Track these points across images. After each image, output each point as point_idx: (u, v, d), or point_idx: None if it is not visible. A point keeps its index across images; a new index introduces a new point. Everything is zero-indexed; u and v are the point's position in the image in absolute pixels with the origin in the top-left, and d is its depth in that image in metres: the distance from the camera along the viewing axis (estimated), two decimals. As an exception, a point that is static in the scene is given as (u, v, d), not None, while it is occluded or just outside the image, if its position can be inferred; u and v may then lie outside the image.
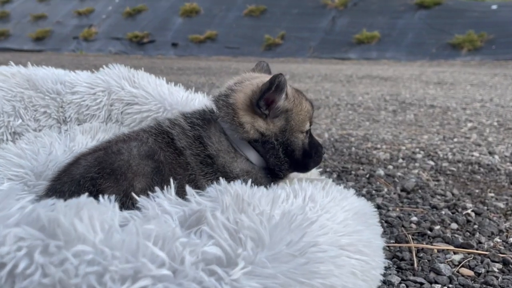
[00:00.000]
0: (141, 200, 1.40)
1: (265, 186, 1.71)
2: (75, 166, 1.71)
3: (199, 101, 2.74)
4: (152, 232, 1.14)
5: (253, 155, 2.01)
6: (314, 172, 2.49)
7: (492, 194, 3.33)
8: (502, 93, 10.30)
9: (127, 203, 1.58)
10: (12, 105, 2.69)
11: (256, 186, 1.63)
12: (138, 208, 1.40)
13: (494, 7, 25.91)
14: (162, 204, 1.37)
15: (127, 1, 35.06)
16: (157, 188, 1.50)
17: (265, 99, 1.95)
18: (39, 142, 2.47)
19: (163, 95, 2.68)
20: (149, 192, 1.50)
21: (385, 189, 3.29)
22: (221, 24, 31.40)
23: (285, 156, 2.04)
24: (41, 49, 32.20)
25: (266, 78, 2.03)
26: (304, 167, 2.14)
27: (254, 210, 1.36)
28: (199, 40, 30.29)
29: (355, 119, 6.89)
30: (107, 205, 1.20)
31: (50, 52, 31.33)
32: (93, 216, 1.13)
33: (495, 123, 6.52)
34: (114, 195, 1.35)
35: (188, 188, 1.44)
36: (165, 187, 1.53)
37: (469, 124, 6.44)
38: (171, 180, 1.51)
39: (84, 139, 2.38)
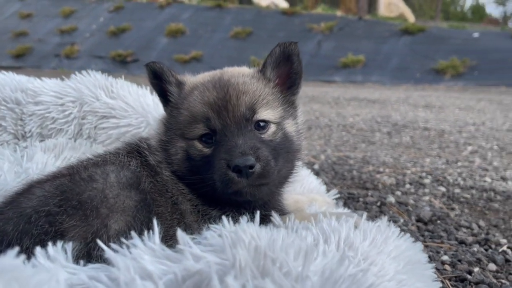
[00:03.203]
0: (110, 252, 0.94)
1: None
2: (26, 196, 1.24)
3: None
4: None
5: None
6: (330, 201, 2.06)
7: (517, 225, 2.94)
8: (493, 117, 10.12)
9: (94, 251, 1.11)
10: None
11: (271, 227, 1.20)
12: (106, 261, 0.95)
13: (475, 35, 26.37)
14: (141, 260, 0.91)
15: (112, 20, 34.75)
16: (133, 233, 1.05)
17: (162, 92, 1.70)
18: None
19: (147, 107, 2.24)
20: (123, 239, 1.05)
21: (401, 220, 2.87)
22: (207, 45, 31.26)
23: (169, 164, 1.59)
24: (21, 65, 31.39)
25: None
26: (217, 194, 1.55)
27: (281, 269, 0.91)
28: (184, 60, 30.02)
29: (349, 141, 6.52)
30: (50, 271, 0.74)
31: (30, 69, 30.54)
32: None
33: (495, 147, 6.22)
34: (78, 239, 0.91)
35: (180, 233, 0.99)
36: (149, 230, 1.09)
37: (469, 148, 6.12)
38: (154, 220, 1.06)
39: (45, 159, 1.90)
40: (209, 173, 1.47)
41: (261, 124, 1.59)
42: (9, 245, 1.13)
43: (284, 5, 38.16)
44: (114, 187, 1.27)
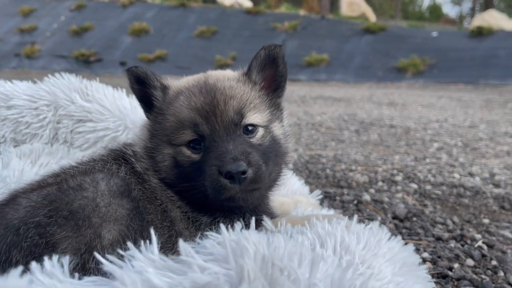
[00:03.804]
0: (112, 266, 0.90)
1: None
2: (11, 207, 1.18)
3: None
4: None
5: None
6: (314, 202, 2.07)
7: (487, 220, 3.05)
8: (454, 114, 10.47)
9: (89, 263, 1.07)
10: None
11: (267, 232, 1.19)
12: (104, 274, 0.91)
13: (434, 34, 27.23)
14: (146, 273, 0.87)
15: (74, 19, 33.83)
16: (130, 244, 1.01)
17: (144, 97, 1.64)
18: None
19: (124, 110, 2.18)
20: (120, 250, 1.01)
21: (379, 218, 2.92)
22: (172, 44, 30.91)
23: (156, 172, 1.55)
24: (-22, 66, 30.12)
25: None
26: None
27: (289, 277, 0.90)
28: (148, 59, 29.58)
29: (319, 139, 6.59)
30: None
31: (-13, 69, 29.32)
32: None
33: (459, 143, 6.44)
34: (70, 251, 0.87)
35: (182, 243, 0.96)
36: (143, 239, 1.06)
37: (435, 144, 6.31)
38: (152, 231, 1.03)
39: (21, 165, 1.81)
40: (199, 180, 1.43)
41: (250, 128, 1.58)
42: None
43: (248, 4, 38.17)
44: (105, 195, 1.22)
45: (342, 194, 3.46)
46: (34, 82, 2.32)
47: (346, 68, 25.57)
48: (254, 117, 1.58)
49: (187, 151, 1.51)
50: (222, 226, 1.09)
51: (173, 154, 1.51)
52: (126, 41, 31.86)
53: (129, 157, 1.53)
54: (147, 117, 1.68)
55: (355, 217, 1.50)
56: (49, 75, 2.27)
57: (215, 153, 1.43)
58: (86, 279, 0.95)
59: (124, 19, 33.79)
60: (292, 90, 18.21)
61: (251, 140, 1.56)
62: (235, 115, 1.52)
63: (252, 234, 1.03)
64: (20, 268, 0.74)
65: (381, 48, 26.63)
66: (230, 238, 1.02)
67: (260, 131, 1.61)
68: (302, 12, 34.81)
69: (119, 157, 1.52)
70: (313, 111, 10.54)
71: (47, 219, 1.12)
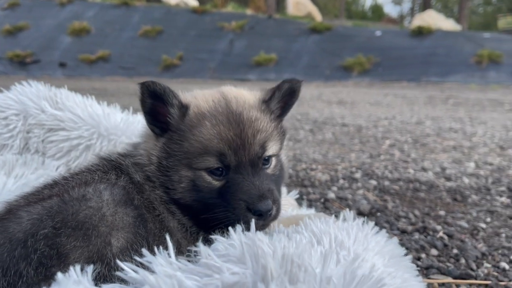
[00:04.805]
0: (144, 272, 0.90)
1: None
2: (12, 220, 1.15)
3: (142, 123, 2.22)
4: None
5: None
6: (293, 202, 2.12)
7: (443, 212, 3.24)
8: (401, 111, 10.94)
9: (102, 270, 1.07)
10: None
11: (275, 233, 1.23)
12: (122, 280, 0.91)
13: (378, 33, 28.29)
14: (176, 277, 0.89)
15: (7, 18, 32.05)
16: (145, 251, 1.02)
17: (153, 110, 1.57)
18: None
19: (97, 117, 2.12)
20: (136, 256, 1.02)
21: (347, 215, 3.02)
22: (115, 44, 30.06)
23: (166, 195, 1.53)
24: None
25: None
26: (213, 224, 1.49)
27: (306, 273, 0.95)
28: (90, 60, 28.62)
29: (277, 139, 6.68)
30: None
31: None
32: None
33: (409, 139, 6.74)
34: (83, 260, 0.88)
35: (202, 247, 0.98)
36: (153, 246, 1.06)
37: (387, 141, 6.58)
38: (167, 236, 1.04)
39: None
40: (221, 208, 1.46)
41: (267, 158, 1.62)
42: (5, 271, 1.08)
43: (194, 3, 37.85)
44: (110, 204, 1.22)
45: (308, 193, 3.54)
46: (0, 91, 2.21)
47: (295, 67, 26.00)
48: (272, 148, 1.63)
49: (208, 177, 1.51)
50: (230, 229, 1.13)
51: (192, 177, 1.51)
52: (65, 41, 30.62)
53: (126, 168, 1.51)
54: (153, 131, 1.61)
55: (340, 215, 1.59)
56: (16, 83, 2.17)
57: (242, 186, 1.46)
58: (105, 286, 0.95)
59: (63, 18, 32.43)
60: (242, 90, 18.31)
61: (267, 171, 1.61)
62: (260, 148, 1.56)
63: (261, 236, 1.06)
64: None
65: (327, 47, 27.31)
66: (244, 240, 1.04)
67: (274, 161, 1.66)
68: (249, 11, 35.00)
69: (115, 167, 1.50)
70: (266, 110, 10.65)
71: (56, 231, 1.11)
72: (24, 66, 28.49)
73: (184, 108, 1.54)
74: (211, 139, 1.50)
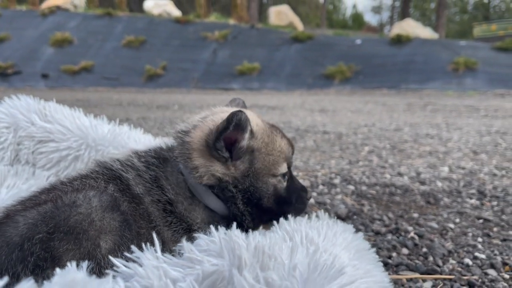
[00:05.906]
0: (132, 265, 1.04)
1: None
2: (9, 225, 1.26)
3: (129, 135, 2.35)
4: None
5: (213, 202, 1.66)
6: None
7: (416, 214, 3.42)
8: (380, 118, 11.21)
9: (95, 269, 1.20)
10: None
11: (248, 232, 1.37)
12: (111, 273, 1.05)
13: (358, 41, 28.83)
14: (162, 268, 1.03)
15: (-13, 29, 31.76)
16: (134, 248, 1.16)
17: (225, 140, 1.61)
18: None
19: (85, 129, 2.24)
20: (125, 252, 1.15)
21: (324, 218, 3.18)
22: (98, 54, 29.99)
23: (247, 206, 1.69)
24: None
25: None
26: (279, 217, 1.72)
27: (276, 262, 1.10)
28: (73, 71, 28.46)
29: (259, 148, 6.83)
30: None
31: None
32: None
33: (388, 146, 6.97)
34: (75, 261, 1.00)
35: (186, 244, 1.12)
36: (138, 245, 1.20)
37: (366, 148, 6.79)
38: (154, 235, 1.18)
39: (-6, 189, 1.84)
40: (287, 202, 1.81)
41: None
42: (3, 272, 1.17)
43: (177, 13, 38.02)
44: (98, 210, 1.34)
45: (288, 199, 3.69)
46: (-14, 105, 2.32)
47: (278, 76, 26.31)
48: None
49: (282, 180, 1.79)
50: (212, 227, 1.27)
51: (275, 182, 1.76)
52: (47, 52, 30.43)
53: (126, 179, 1.60)
54: (223, 156, 1.64)
55: (314, 215, 1.75)
56: (6, 98, 2.29)
57: (296, 183, 1.87)
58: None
59: (45, 28, 32.24)
60: (225, 100, 18.34)
61: None
62: None
63: (238, 233, 1.21)
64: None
65: (309, 56, 27.71)
66: (222, 236, 1.19)
67: None
68: (231, 21, 35.29)
69: (113, 177, 1.58)
70: (249, 119, 10.81)
71: (49, 235, 1.22)
72: (5, 77, 28.19)
73: (251, 131, 1.65)
74: (286, 148, 1.81)
